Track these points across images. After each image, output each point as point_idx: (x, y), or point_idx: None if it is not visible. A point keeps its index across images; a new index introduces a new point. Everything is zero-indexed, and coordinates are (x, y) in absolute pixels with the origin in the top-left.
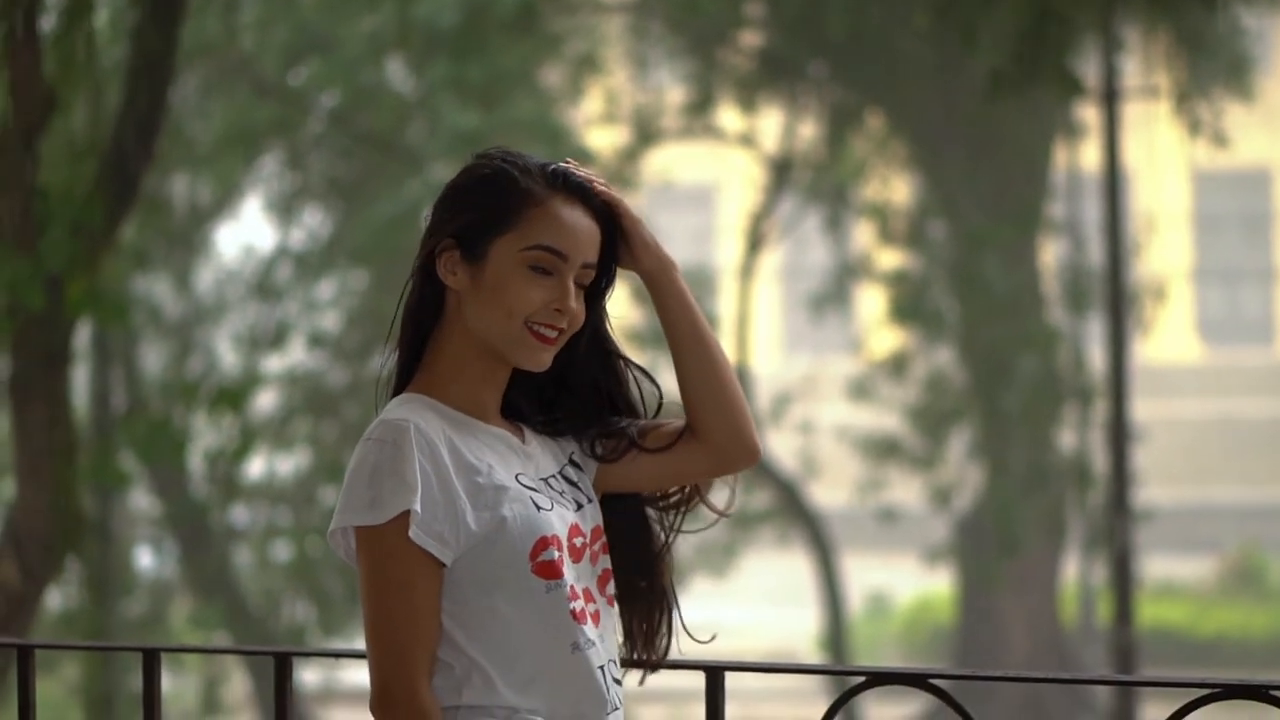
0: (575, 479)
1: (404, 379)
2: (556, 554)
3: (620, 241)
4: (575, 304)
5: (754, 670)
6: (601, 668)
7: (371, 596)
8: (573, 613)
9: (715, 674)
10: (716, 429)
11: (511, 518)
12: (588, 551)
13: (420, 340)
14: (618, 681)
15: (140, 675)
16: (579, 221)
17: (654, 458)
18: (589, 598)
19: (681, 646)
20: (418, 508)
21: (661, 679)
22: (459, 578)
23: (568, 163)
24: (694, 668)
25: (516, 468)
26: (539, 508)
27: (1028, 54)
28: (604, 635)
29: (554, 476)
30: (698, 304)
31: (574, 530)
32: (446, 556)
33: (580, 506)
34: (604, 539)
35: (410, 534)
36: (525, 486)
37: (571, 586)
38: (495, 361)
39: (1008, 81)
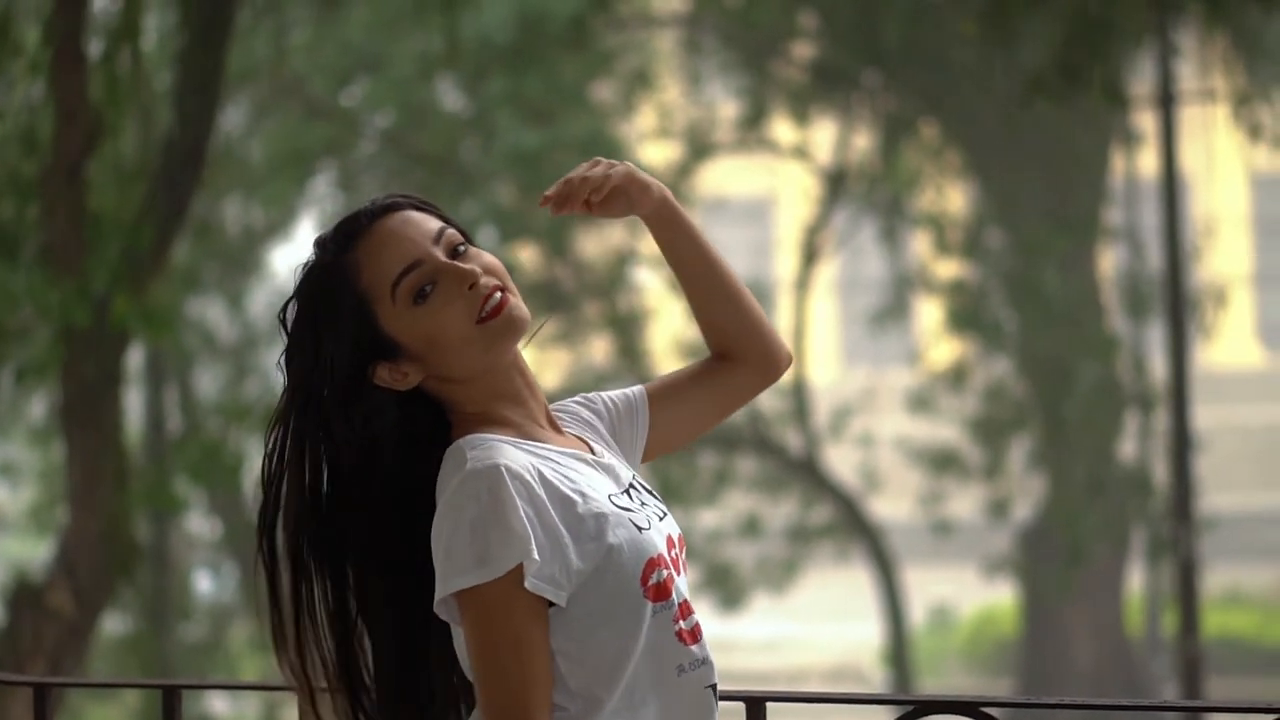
0: (647, 490)
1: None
2: (665, 573)
3: (618, 196)
4: (470, 264)
5: (794, 700)
6: (710, 687)
7: (486, 653)
8: (678, 634)
9: (756, 705)
10: (753, 347)
11: (618, 544)
12: (680, 561)
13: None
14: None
15: (200, 701)
16: (394, 228)
17: (699, 400)
18: (692, 610)
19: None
20: (535, 556)
21: None
22: (569, 616)
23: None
24: (734, 699)
25: (607, 488)
26: (639, 528)
27: (1069, 61)
28: (706, 651)
29: (631, 488)
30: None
31: (669, 542)
32: (561, 598)
33: (663, 517)
34: (684, 548)
35: (526, 584)
36: (621, 508)
37: (680, 605)
38: (510, 372)
39: (1048, 88)
